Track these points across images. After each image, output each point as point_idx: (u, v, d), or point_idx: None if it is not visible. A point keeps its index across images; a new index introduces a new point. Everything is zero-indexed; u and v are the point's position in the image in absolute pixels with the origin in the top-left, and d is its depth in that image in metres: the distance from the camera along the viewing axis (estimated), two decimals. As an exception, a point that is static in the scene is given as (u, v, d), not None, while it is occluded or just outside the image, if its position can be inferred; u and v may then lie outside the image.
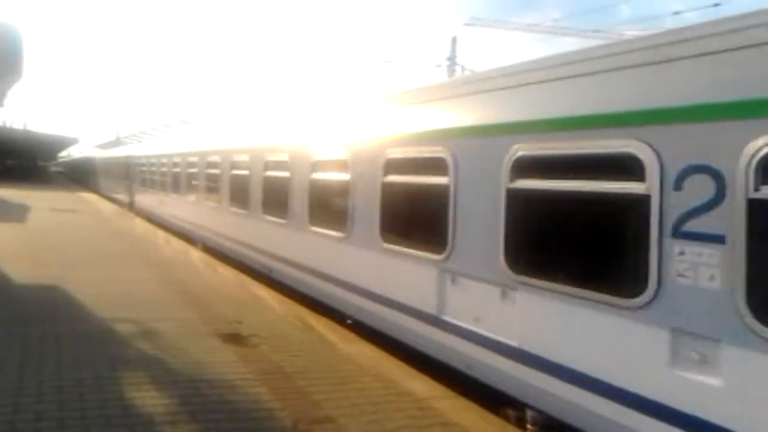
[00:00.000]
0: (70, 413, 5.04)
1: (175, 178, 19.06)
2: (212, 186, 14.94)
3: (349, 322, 8.23)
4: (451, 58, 29.72)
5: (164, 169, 20.78)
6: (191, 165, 17.07)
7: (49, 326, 7.52)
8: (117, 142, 58.51)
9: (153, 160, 23.14)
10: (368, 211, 7.78)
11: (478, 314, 5.87)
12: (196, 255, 14.64)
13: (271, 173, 11.18)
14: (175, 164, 19.11)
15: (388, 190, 7.45)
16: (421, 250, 6.70)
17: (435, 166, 6.51)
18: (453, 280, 6.24)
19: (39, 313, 8.15)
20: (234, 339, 7.36)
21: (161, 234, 18.76)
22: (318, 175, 9.31)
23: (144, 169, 25.03)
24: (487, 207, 5.77)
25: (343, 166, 8.46)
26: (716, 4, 15.20)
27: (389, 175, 7.44)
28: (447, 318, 6.30)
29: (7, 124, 55.64)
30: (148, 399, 5.38)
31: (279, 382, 5.97)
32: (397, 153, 7.35)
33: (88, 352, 6.56)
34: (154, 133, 32.40)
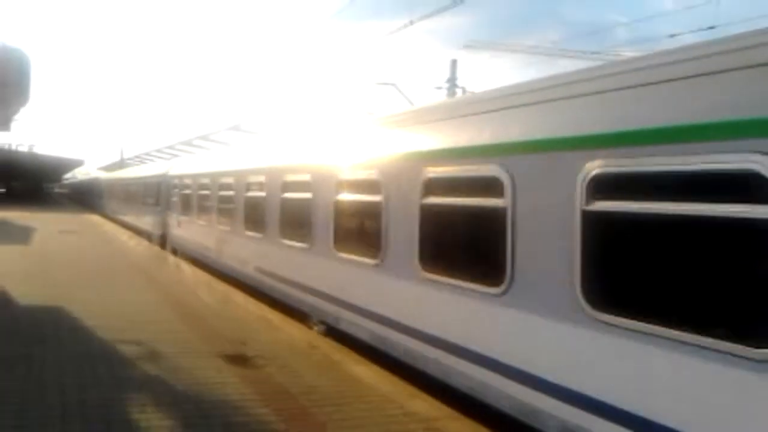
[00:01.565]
0: (75, 435, 5.02)
1: (258, 208, 11.89)
2: (352, 223, 8.76)
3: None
4: (451, 80, 30.00)
5: (229, 192, 13.75)
6: (295, 187, 10.17)
7: (53, 347, 7.51)
8: (121, 164, 59.00)
9: (205, 180, 15.96)
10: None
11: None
12: (200, 276, 14.65)
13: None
14: (256, 185, 12.10)
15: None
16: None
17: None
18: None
19: (43, 334, 8.15)
20: (238, 360, 7.35)
21: (166, 256, 18.78)
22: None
23: (188, 192, 17.84)
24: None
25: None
26: (711, 27, 15.33)
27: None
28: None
29: (13, 147, 56.05)
30: (153, 420, 5.36)
31: (283, 403, 5.95)
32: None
33: (92, 374, 6.55)
34: (171, 153, 31.29)
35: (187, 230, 17.98)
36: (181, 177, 19.39)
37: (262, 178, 11.85)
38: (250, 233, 12.20)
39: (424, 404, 6.11)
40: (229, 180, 13.96)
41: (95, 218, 37.93)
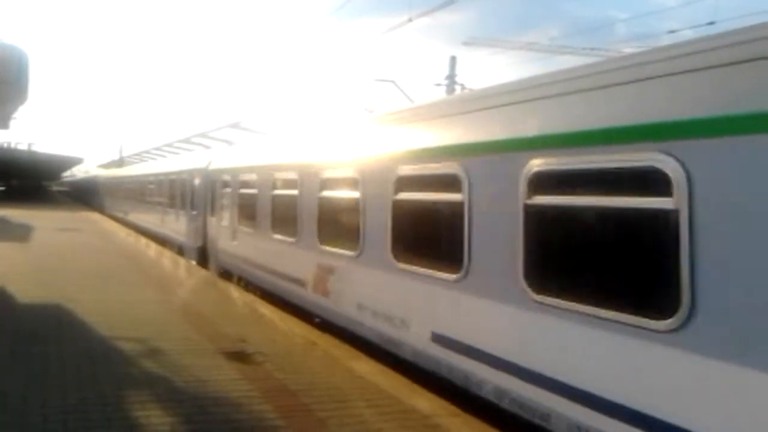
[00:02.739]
0: (75, 432, 5.01)
1: (420, 225, 7.23)
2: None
3: None
4: (451, 77, 29.97)
5: (352, 194, 8.37)
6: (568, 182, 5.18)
7: (53, 346, 7.51)
8: (121, 162, 58.91)
9: (289, 175, 10.62)
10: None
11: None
12: (200, 273, 14.63)
13: None
14: (415, 183, 7.06)
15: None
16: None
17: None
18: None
19: (43, 332, 8.15)
20: (238, 357, 7.35)
21: (164, 251, 18.74)
22: None
23: (252, 192, 12.37)
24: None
25: None
26: (711, 23, 15.32)
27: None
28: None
29: (12, 145, 56.01)
30: (153, 418, 5.36)
31: (283, 400, 5.95)
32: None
33: (92, 372, 6.54)
34: (171, 151, 30.39)
35: (251, 247, 12.50)
36: (234, 172, 14.03)
37: (452, 168, 6.33)
38: (405, 266, 7.08)
39: (424, 401, 6.11)
40: (351, 173, 8.47)
41: (94, 215, 37.86)
